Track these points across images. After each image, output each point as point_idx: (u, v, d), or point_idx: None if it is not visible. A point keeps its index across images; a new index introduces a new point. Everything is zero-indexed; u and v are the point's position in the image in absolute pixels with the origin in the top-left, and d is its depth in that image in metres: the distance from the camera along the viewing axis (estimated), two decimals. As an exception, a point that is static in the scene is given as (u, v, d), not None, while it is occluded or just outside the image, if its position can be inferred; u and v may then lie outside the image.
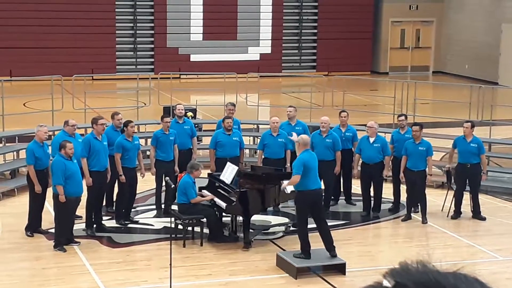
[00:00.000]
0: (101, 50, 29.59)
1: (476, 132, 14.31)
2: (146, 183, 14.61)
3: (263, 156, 14.24)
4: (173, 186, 12.43)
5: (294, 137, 12.38)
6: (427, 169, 13.69)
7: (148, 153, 17.15)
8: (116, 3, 30.00)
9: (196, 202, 12.41)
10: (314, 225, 11.61)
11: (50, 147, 13.16)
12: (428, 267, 1.78)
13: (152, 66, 30.40)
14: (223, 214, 12.71)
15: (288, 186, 11.95)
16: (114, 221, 13.26)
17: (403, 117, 14.50)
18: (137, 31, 30.55)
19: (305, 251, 11.30)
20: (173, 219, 12.40)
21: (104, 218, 13.15)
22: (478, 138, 14.04)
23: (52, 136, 15.13)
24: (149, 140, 17.55)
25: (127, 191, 13.09)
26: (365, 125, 14.53)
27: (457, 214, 13.93)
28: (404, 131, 14.22)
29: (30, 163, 12.56)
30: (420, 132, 13.70)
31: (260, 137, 15.09)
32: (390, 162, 14.14)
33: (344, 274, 11.15)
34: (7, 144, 16.65)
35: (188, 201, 12.35)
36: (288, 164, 13.98)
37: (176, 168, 13.84)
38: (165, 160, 13.75)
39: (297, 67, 32.30)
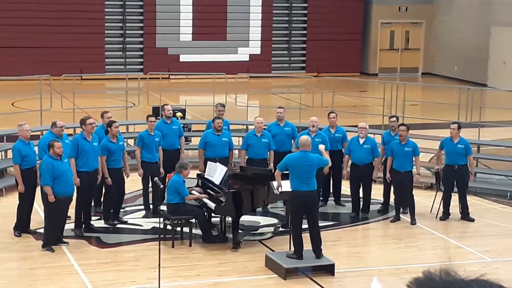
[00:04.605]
0: (90, 50, 29.50)
1: (465, 133, 14.34)
2: (134, 183, 14.58)
3: (246, 157, 14.24)
4: (161, 186, 12.40)
5: (322, 147, 12.23)
6: (414, 169, 13.71)
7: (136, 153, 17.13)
8: (106, 2, 29.93)
9: (190, 199, 12.41)
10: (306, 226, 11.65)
11: (36, 148, 13.10)
12: (451, 275, 1.75)
13: (141, 66, 30.35)
14: (212, 214, 12.70)
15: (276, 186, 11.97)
16: (102, 221, 13.23)
17: (394, 119, 14.51)
18: (127, 31, 30.48)
19: (298, 252, 11.31)
20: (162, 219, 12.37)
21: (92, 218, 13.10)
22: (465, 139, 14.07)
23: (40, 136, 15.07)
24: (138, 140, 17.52)
25: (114, 191, 13.05)
26: (355, 126, 14.53)
27: (445, 215, 13.96)
28: (395, 133, 14.22)
29: (16, 162, 12.54)
30: (407, 133, 13.72)
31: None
32: (381, 163, 14.16)
33: (333, 275, 11.15)
34: (-5, 144, 16.58)
35: (177, 200, 12.32)
36: (272, 165, 13.97)
37: (162, 170, 13.79)
38: (151, 161, 13.69)
39: (287, 68, 32.31)
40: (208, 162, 13.12)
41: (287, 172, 12.59)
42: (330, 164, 12.13)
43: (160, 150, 13.85)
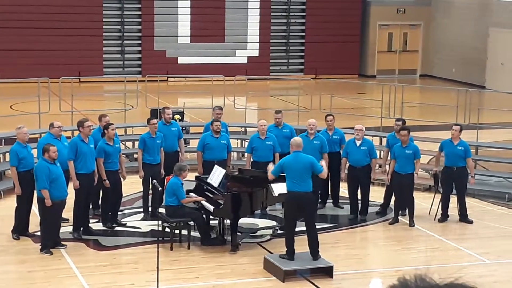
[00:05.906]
0: (88, 53, 29.49)
1: (463, 135, 14.35)
2: (133, 185, 14.57)
3: (251, 160, 14.24)
4: (160, 189, 12.40)
5: (323, 163, 12.18)
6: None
7: (135, 155, 17.14)
8: (104, 5, 29.92)
9: (186, 202, 12.41)
10: (301, 228, 11.66)
11: (35, 150, 13.09)
12: (426, 281, 1.75)
13: (140, 69, 30.33)
14: (211, 217, 12.70)
15: (275, 189, 11.99)
16: (101, 224, 13.22)
17: (400, 122, 14.47)
18: (125, 34, 30.48)
19: (289, 252, 11.34)
20: (160, 222, 12.37)
21: (91, 221, 13.10)
22: (464, 141, 14.08)
23: (38, 139, 15.05)
24: (136, 143, 17.51)
25: (111, 194, 13.05)
26: (353, 128, 14.54)
27: (444, 217, 13.96)
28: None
29: (13, 165, 12.55)
30: (408, 137, 13.73)
31: (248, 140, 15.09)
32: (385, 165, 14.15)
33: (332, 277, 11.15)
34: (-7, 147, 16.56)
35: (176, 203, 12.32)
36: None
37: (162, 171, 13.81)
38: (152, 163, 13.73)
39: (285, 70, 32.31)
40: (215, 166, 13.08)
41: (283, 174, 12.60)
42: (324, 175, 12.05)
43: (162, 151, 13.87)
